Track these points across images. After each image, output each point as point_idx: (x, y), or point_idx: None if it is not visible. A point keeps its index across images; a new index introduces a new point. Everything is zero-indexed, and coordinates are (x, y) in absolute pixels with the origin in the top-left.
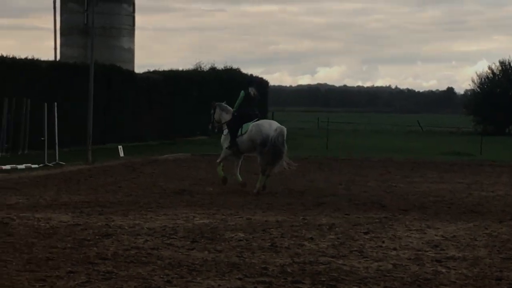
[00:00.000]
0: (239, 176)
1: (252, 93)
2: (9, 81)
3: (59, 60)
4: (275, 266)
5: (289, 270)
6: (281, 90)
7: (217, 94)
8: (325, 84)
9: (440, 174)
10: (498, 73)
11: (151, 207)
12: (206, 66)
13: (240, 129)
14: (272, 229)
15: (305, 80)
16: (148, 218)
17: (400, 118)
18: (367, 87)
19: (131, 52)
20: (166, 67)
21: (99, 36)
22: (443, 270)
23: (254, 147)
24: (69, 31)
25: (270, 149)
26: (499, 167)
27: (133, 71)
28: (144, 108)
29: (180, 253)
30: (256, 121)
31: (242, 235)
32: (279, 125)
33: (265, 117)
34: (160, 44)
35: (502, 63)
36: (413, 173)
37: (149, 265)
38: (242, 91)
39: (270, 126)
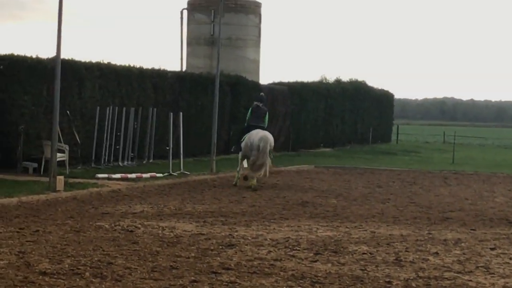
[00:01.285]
0: (238, 173)
1: (259, 105)
2: (136, 90)
3: (185, 70)
4: (399, 281)
5: (413, 284)
6: (406, 103)
7: (342, 106)
8: (452, 98)
9: None
10: None
11: (274, 218)
12: (331, 79)
13: (244, 137)
14: (396, 243)
15: (431, 93)
16: (271, 229)
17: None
18: (495, 101)
19: (256, 63)
20: (291, 79)
21: (225, 47)
22: None
23: (249, 151)
24: (196, 41)
25: (253, 154)
26: None
27: (258, 82)
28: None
29: (303, 265)
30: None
31: (365, 248)
32: (265, 134)
33: (390, 129)
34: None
35: None
36: None
37: (272, 276)
38: (250, 108)
39: (257, 134)
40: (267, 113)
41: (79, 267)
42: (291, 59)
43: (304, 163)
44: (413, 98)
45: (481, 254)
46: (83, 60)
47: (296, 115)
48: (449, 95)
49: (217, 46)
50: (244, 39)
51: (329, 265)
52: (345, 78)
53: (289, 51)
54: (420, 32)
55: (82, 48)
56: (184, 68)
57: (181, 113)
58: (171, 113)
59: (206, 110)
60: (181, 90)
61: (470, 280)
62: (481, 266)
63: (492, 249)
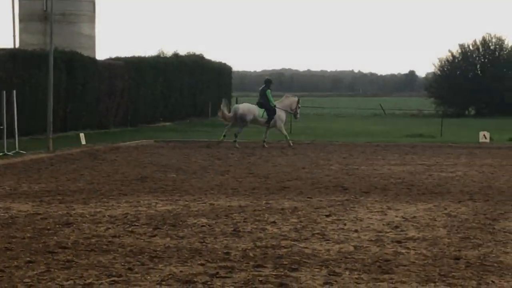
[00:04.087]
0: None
1: (262, 87)
2: None
3: (18, 48)
4: (237, 251)
5: (251, 254)
6: (245, 75)
7: (181, 80)
8: (290, 69)
9: (401, 156)
10: (458, 56)
11: (112, 195)
12: (169, 53)
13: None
14: (235, 214)
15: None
16: (110, 205)
17: (363, 102)
18: (331, 72)
19: (92, 38)
20: (129, 54)
21: (59, 23)
22: (403, 251)
23: None
24: (28, 17)
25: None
26: (459, 148)
27: (95, 58)
28: (106, 95)
29: (141, 240)
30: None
31: (204, 220)
32: (237, 106)
33: (229, 102)
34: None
35: (461, 46)
36: (375, 155)
37: (110, 253)
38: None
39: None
40: (266, 91)
41: None
42: (129, 34)
43: (143, 138)
44: (252, 70)
45: (317, 221)
46: None
47: (134, 90)
48: (287, 67)
49: (50, 22)
50: (78, 14)
51: (168, 239)
52: (183, 52)
53: (126, 26)
54: (257, 4)
55: None
56: (17, 45)
57: (14, 91)
58: (4, 92)
59: (40, 87)
60: (14, 67)
61: (306, 247)
62: (317, 233)
63: (327, 216)
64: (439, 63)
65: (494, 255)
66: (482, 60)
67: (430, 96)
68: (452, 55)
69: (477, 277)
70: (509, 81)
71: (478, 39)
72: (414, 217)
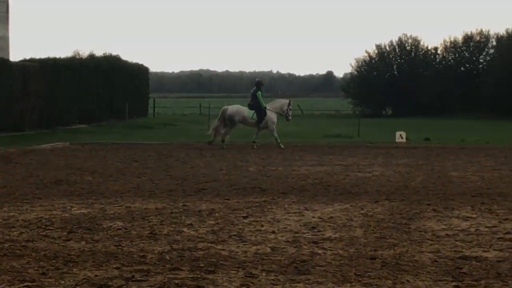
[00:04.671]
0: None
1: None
2: None
3: None
4: (153, 254)
5: (167, 257)
6: (163, 76)
7: (97, 81)
8: (208, 70)
9: (319, 157)
10: (374, 56)
11: (26, 198)
12: (85, 54)
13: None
14: (151, 217)
15: (187, 66)
16: (24, 209)
17: None
18: (249, 72)
19: (5, 39)
20: (44, 55)
21: None
22: (320, 251)
23: None
24: None
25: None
26: (376, 148)
27: (8, 59)
28: (20, 97)
29: (56, 245)
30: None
31: (120, 223)
32: (226, 107)
33: (146, 104)
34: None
35: (378, 46)
36: (293, 156)
37: (24, 258)
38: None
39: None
40: (256, 93)
41: None
42: (44, 35)
43: (59, 140)
44: (170, 71)
45: (234, 223)
46: None
47: (49, 91)
48: (205, 67)
49: None
50: None
51: (83, 242)
52: (99, 53)
53: (41, 27)
54: (175, 7)
55: None
56: None
57: None
58: None
59: None
60: None
61: (223, 249)
62: (234, 235)
63: (244, 217)
64: (356, 64)
65: (409, 255)
66: (399, 60)
67: (348, 97)
68: (369, 56)
69: (392, 277)
70: (425, 81)
71: (395, 40)
72: (331, 217)
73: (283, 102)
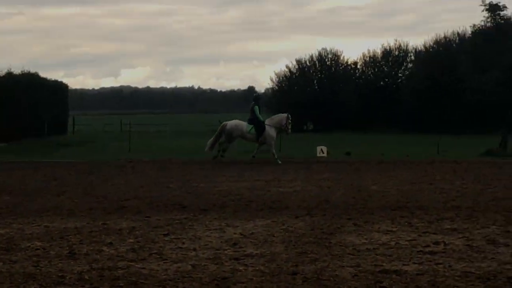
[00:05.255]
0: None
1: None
2: None
3: None
4: (72, 274)
5: (86, 277)
6: (84, 94)
7: (15, 99)
8: (129, 86)
9: (240, 173)
10: (295, 71)
11: None
12: (2, 71)
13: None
14: (70, 236)
15: (108, 82)
16: None
17: (203, 118)
18: (170, 88)
19: None
20: None
21: None
22: (241, 268)
23: None
24: None
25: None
26: (297, 163)
27: None
28: None
29: None
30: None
31: (39, 243)
32: (228, 123)
33: (66, 121)
34: None
35: (298, 61)
36: (214, 172)
37: None
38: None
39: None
40: (254, 107)
41: None
42: None
43: None
44: (91, 88)
45: (155, 240)
46: None
47: None
48: (126, 84)
49: None
50: None
51: (0, 263)
52: (17, 70)
53: None
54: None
55: None
56: None
57: None
58: None
59: None
60: None
61: (144, 268)
62: (154, 253)
63: (165, 235)
64: (277, 79)
65: (330, 269)
66: (319, 75)
67: (269, 112)
68: (290, 71)
69: None
70: (346, 96)
71: (315, 55)
72: (252, 233)
73: (281, 116)
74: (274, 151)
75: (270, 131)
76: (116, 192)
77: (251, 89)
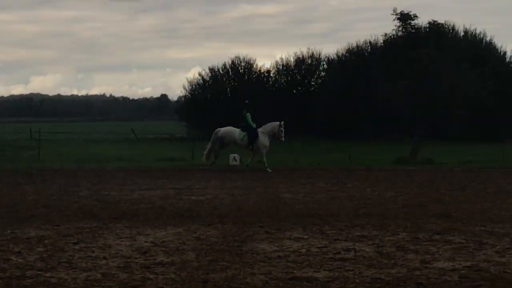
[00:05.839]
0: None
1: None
2: None
3: None
4: None
5: None
6: None
7: None
8: (39, 94)
9: (152, 181)
10: (208, 79)
11: None
12: None
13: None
14: None
15: (18, 90)
16: None
17: (115, 127)
18: (82, 96)
19: None
20: None
21: None
22: (151, 276)
23: None
24: None
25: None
26: (210, 171)
27: None
28: None
29: None
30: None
31: None
32: (218, 129)
33: None
34: None
35: (211, 69)
36: (126, 181)
37: None
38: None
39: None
40: (246, 114)
41: None
42: None
43: None
44: (0, 95)
45: (64, 249)
46: None
47: None
48: (35, 91)
49: None
50: None
51: None
52: None
53: None
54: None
55: None
56: None
57: None
58: None
59: None
60: None
61: (52, 277)
62: (63, 262)
63: (75, 243)
64: (189, 87)
65: (241, 277)
66: (232, 83)
67: (182, 120)
68: (203, 79)
69: None
70: (259, 104)
71: (228, 63)
72: (164, 241)
73: (274, 124)
74: (265, 160)
75: (263, 139)
76: (25, 201)
77: (163, 97)
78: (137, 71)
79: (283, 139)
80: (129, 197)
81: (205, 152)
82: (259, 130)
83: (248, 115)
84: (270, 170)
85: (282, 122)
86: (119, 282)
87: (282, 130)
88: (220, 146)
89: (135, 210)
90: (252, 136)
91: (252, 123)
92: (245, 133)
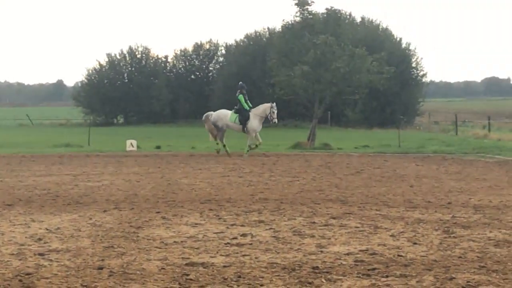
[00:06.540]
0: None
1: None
2: None
3: None
4: None
5: None
6: None
7: None
8: None
9: (48, 167)
10: (105, 65)
11: None
12: None
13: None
14: None
15: None
16: None
17: (9, 112)
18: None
19: None
20: None
21: None
22: (46, 263)
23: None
24: None
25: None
26: (106, 157)
27: None
28: None
29: None
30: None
31: None
32: (210, 113)
33: None
34: None
35: (108, 55)
36: (20, 167)
37: None
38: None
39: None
40: (239, 96)
41: None
42: None
43: None
44: None
45: None
46: None
47: None
48: None
49: None
50: None
51: None
52: None
53: None
54: None
55: None
56: None
57: None
58: None
59: None
60: None
61: None
62: None
63: None
64: (87, 72)
65: (137, 263)
66: (130, 69)
67: (78, 106)
68: (100, 64)
69: (120, 286)
70: (156, 89)
71: (125, 49)
72: (58, 228)
73: (265, 106)
74: (251, 143)
75: (254, 122)
76: None
77: (60, 83)
78: (32, 55)
79: (275, 120)
80: (24, 184)
81: (216, 140)
82: (252, 112)
83: (241, 96)
84: (247, 157)
85: (274, 104)
86: (12, 270)
87: (274, 112)
88: (218, 130)
89: (30, 196)
90: (244, 118)
91: (245, 104)
92: (236, 115)
